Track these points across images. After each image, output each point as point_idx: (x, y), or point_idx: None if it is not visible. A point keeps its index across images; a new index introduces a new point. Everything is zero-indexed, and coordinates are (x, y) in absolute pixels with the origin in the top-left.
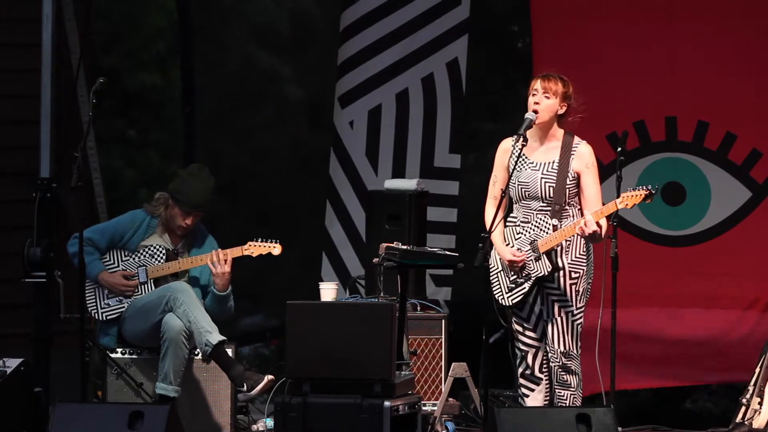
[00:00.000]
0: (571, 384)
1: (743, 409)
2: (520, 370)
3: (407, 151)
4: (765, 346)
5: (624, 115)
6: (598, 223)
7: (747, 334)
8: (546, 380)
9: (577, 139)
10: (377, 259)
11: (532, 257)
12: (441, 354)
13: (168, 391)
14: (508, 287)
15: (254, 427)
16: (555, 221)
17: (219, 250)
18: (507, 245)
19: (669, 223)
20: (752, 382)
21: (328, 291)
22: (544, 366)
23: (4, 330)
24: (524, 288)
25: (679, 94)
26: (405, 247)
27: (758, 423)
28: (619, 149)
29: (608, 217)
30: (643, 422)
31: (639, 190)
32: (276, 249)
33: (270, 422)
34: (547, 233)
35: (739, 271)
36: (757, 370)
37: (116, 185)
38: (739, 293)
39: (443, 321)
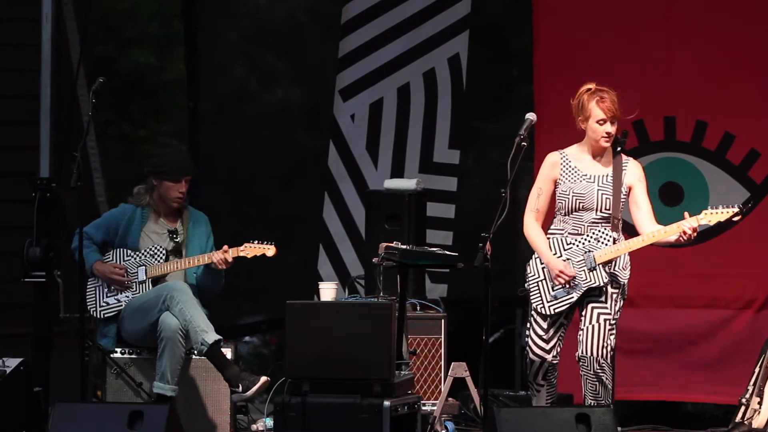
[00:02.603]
0: (600, 395)
1: (743, 408)
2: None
3: (407, 146)
4: (764, 345)
5: (623, 114)
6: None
7: (743, 334)
8: (547, 386)
9: (625, 157)
10: (377, 259)
11: (585, 268)
12: (441, 354)
13: (165, 390)
14: (551, 295)
15: (253, 426)
16: (615, 234)
17: (216, 251)
18: (555, 255)
19: (666, 224)
20: (752, 382)
21: (328, 290)
22: (548, 374)
23: (4, 330)
24: (572, 298)
25: (677, 93)
26: (404, 246)
27: (758, 423)
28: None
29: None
30: (643, 422)
31: (725, 207)
32: (270, 250)
33: (269, 422)
34: (605, 245)
35: (736, 272)
36: (757, 369)
37: (117, 184)
38: (735, 294)
39: (443, 321)
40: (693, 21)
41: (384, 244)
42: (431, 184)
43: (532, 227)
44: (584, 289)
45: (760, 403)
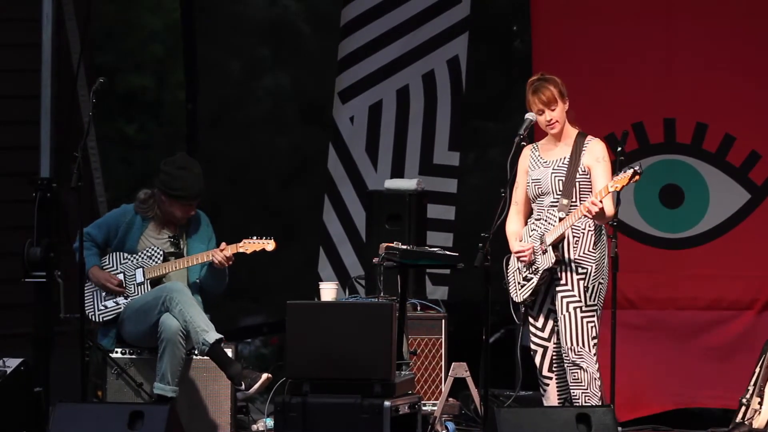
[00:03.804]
0: (582, 382)
1: (743, 409)
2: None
3: (407, 148)
4: (765, 346)
5: (622, 116)
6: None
7: (744, 335)
8: (557, 379)
9: (589, 137)
10: (377, 259)
11: (539, 251)
12: (441, 354)
13: (166, 391)
14: (520, 284)
15: (254, 427)
16: (562, 214)
17: (215, 249)
18: (520, 242)
19: (667, 226)
20: (752, 382)
21: (328, 291)
22: (554, 365)
23: (4, 330)
24: (533, 282)
25: (678, 95)
26: (405, 246)
27: (758, 423)
28: (619, 149)
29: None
30: (644, 422)
31: (624, 172)
32: (269, 245)
33: (270, 422)
34: (553, 226)
35: (737, 274)
36: (757, 370)
37: (117, 185)
38: (736, 295)
39: (443, 321)
40: (693, 22)
41: (384, 245)
42: (431, 186)
43: (509, 220)
44: (540, 271)
45: (760, 404)
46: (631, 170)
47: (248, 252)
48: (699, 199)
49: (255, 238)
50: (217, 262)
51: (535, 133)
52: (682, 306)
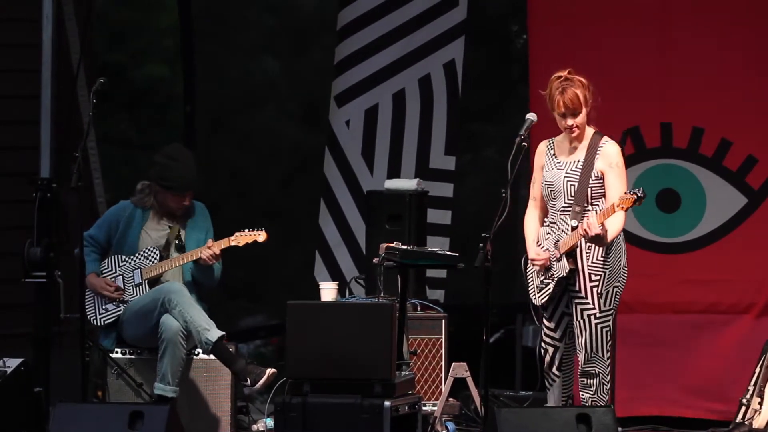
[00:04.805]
0: (591, 387)
1: (743, 409)
2: (544, 365)
3: (403, 152)
4: (765, 345)
5: (619, 120)
6: (602, 225)
7: (742, 340)
8: (563, 378)
9: (604, 138)
10: (377, 259)
11: (554, 258)
12: (441, 354)
13: (166, 391)
14: (538, 287)
15: (254, 427)
16: (574, 222)
17: (203, 248)
18: (538, 245)
19: (664, 230)
20: (752, 382)
21: (328, 291)
22: (564, 365)
23: (4, 330)
24: (549, 288)
25: (674, 99)
26: (405, 247)
27: (758, 423)
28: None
29: None
30: (644, 422)
31: (628, 194)
32: (261, 236)
33: (270, 422)
34: (566, 234)
35: (735, 278)
36: (757, 370)
37: (117, 185)
38: (734, 299)
39: (443, 321)
40: (689, 26)
41: (384, 245)
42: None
43: (527, 217)
44: (556, 279)
45: (760, 404)
46: (635, 195)
47: (240, 244)
48: (696, 203)
49: (247, 230)
50: (203, 258)
51: (533, 134)
52: (680, 310)
